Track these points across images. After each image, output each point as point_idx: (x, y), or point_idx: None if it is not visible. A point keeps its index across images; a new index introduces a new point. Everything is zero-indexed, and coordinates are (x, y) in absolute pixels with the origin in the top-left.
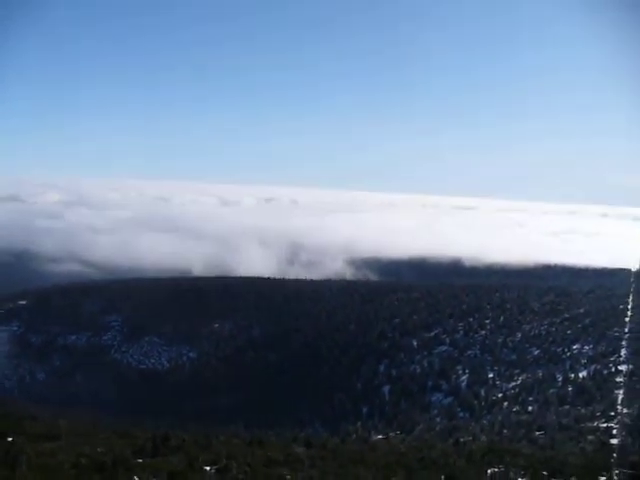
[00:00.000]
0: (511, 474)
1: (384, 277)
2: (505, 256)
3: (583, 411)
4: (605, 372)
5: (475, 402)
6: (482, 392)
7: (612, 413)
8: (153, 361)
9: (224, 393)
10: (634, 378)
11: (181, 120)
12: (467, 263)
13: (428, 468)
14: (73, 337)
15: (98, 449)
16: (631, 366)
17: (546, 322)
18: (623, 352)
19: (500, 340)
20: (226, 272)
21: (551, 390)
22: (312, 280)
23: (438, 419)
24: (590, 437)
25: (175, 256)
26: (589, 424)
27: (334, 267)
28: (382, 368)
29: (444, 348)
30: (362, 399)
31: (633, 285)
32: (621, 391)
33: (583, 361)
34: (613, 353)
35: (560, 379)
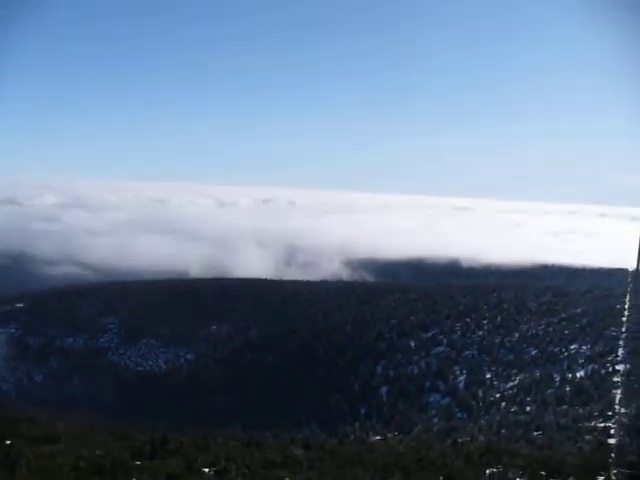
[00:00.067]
0: (509, 474)
1: (381, 278)
2: (503, 256)
3: (581, 411)
4: (603, 372)
5: (473, 402)
6: (480, 392)
7: (610, 413)
8: (150, 363)
9: (221, 395)
10: (631, 378)
11: (178, 121)
12: (464, 264)
13: (426, 469)
14: (70, 339)
15: (96, 452)
16: (628, 366)
17: (543, 322)
18: (620, 352)
19: (498, 340)
20: (223, 273)
21: (549, 390)
22: (309, 281)
23: (436, 420)
24: (588, 437)
25: (172, 258)
26: (587, 424)
27: (331, 268)
28: (379, 369)
29: (441, 349)
30: (359, 400)
31: (630, 285)
32: (619, 391)
33: (581, 361)
34: (610, 353)
35: (558, 379)
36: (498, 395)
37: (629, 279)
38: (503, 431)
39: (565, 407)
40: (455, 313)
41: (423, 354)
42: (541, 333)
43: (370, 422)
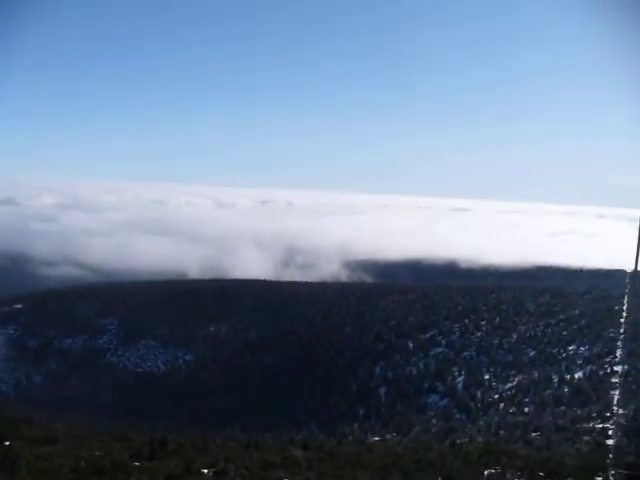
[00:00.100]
0: (508, 475)
1: (380, 279)
2: (501, 257)
3: (579, 412)
4: (601, 373)
5: (471, 403)
6: (478, 393)
7: (608, 414)
8: (149, 364)
9: (220, 396)
10: (629, 379)
11: (176, 122)
12: (463, 265)
13: (425, 470)
14: (69, 340)
15: (96, 452)
16: (627, 367)
17: (542, 323)
18: (619, 353)
19: (496, 341)
20: (222, 274)
21: (547, 391)
22: (308, 282)
23: (434, 421)
24: (586, 438)
25: (171, 259)
26: (585, 425)
27: (330, 269)
28: (378, 370)
29: (440, 350)
30: (358, 401)
31: (628, 286)
32: (617, 392)
33: (579, 362)
34: (609, 354)
35: (556, 380)
36: (496, 396)
37: (627, 280)
38: (502, 432)
39: (563, 408)
40: (454, 314)
41: (422, 355)
42: (539, 334)
43: (369, 423)
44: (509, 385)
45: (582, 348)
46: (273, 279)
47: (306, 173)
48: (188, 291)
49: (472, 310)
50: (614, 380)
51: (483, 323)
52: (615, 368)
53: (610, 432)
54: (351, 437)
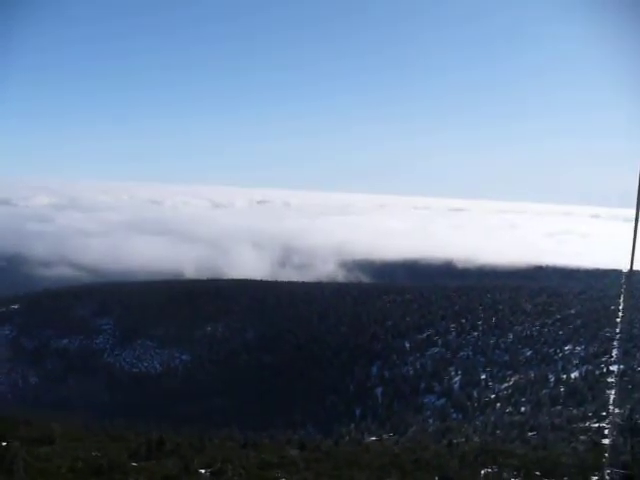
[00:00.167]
0: (504, 474)
1: (376, 279)
2: (498, 257)
3: (575, 411)
4: (597, 373)
5: (468, 403)
6: (475, 393)
7: (604, 413)
8: (146, 364)
9: (217, 396)
10: (625, 378)
11: (172, 122)
12: (459, 265)
13: (422, 469)
14: (65, 341)
15: (93, 453)
16: (622, 366)
17: (538, 323)
18: (614, 353)
19: (492, 341)
20: (218, 274)
21: (543, 391)
22: (304, 282)
23: (431, 420)
24: (582, 437)
25: (167, 259)
26: (581, 424)
27: (326, 269)
28: (375, 370)
29: (436, 350)
30: (355, 401)
31: (624, 286)
32: (613, 391)
33: (575, 362)
34: (605, 354)
35: (552, 380)
36: (493, 396)
37: (623, 280)
38: (498, 432)
39: (559, 408)
40: (450, 314)
41: (418, 355)
42: (536, 334)
43: (365, 423)
44: (505, 385)
45: (578, 348)
46: (270, 279)
47: (302, 173)
48: (184, 291)
49: (468, 310)
50: (610, 380)
51: (480, 323)
52: (611, 368)
53: (606, 431)
54: (348, 437)
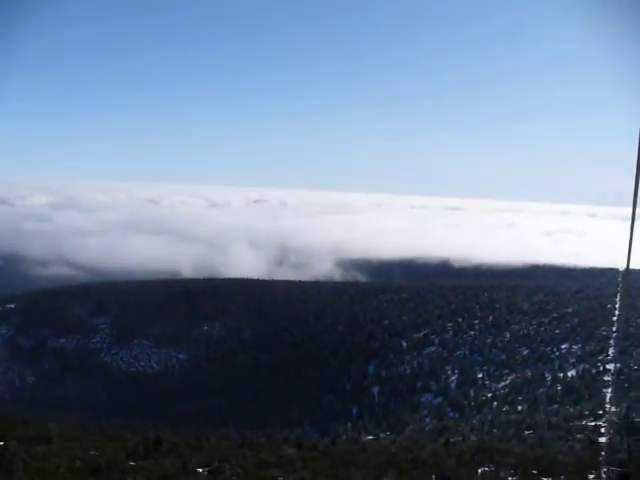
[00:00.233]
0: (501, 473)
1: (373, 278)
2: (494, 256)
3: (572, 410)
4: (593, 371)
5: (465, 402)
6: (472, 392)
7: (600, 412)
8: (143, 363)
9: (214, 395)
10: (622, 377)
11: (169, 122)
12: (456, 264)
13: (419, 468)
14: (62, 340)
15: (90, 452)
16: (619, 365)
17: (535, 322)
18: (611, 351)
19: (489, 340)
20: (215, 274)
21: (540, 389)
22: (301, 281)
23: (428, 419)
24: (579, 435)
25: (164, 258)
26: (578, 423)
27: (323, 268)
28: (371, 369)
29: (433, 348)
30: (352, 400)
31: (621, 285)
32: (609, 390)
33: (572, 360)
34: (601, 352)
35: (549, 378)
36: (490, 395)
37: (620, 279)
38: (495, 430)
39: (556, 406)
40: (447, 313)
41: (415, 354)
42: (532, 333)
43: (362, 422)
44: (502, 384)
45: (575, 346)
46: (266, 278)
47: (299, 172)
48: (181, 290)
49: (465, 309)
50: (606, 378)
51: (476, 322)
52: (607, 366)
53: (602, 430)
54: (345, 436)
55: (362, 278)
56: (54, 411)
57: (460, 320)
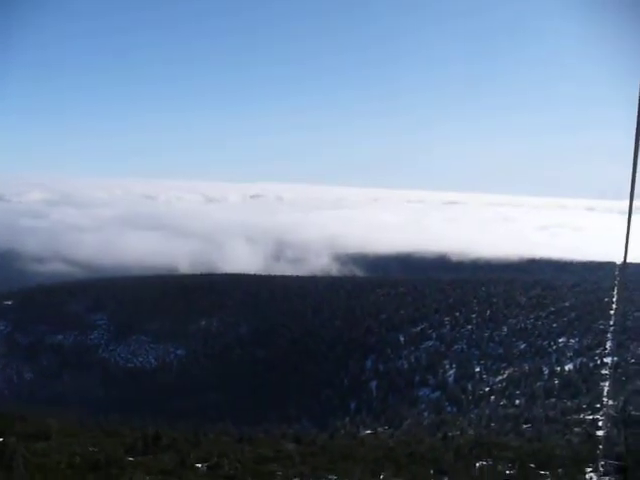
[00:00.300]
0: (499, 467)
1: (370, 273)
2: (491, 250)
3: (569, 404)
4: (591, 365)
5: (462, 396)
6: (469, 386)
7: (598, 405)
8: (140, 359)
9: (212, 390)
10: (619, 370)
11: (167, 117)
12: (453, 258)
13: (417, 462)
14: (60, 336)
15: (89, 448)
16: (616, 358)
17: (532, 316)
18: (608, 345)
19: (487, 334)
20: (212, 269)
21: (538, 383)
22: (298, 276)
23: (426, 414)
24: (576, 429)
25: (161, 254)
26: (575, 416)
27: (320, 263)
28: (369, 363)
29: (431, 343)
30: (349, 395)
31: (618, 278)
32: (606, 383)
33: (569, 354)
34: (598, 346)
35: (546, 372)
36: (487, 389)
37: (617, 273)
38: (493, 424)
39: (554, 400)
40: (444, 307)
41: (412, 348)
42: (530, 327)
43: (360, 416)
44: (500, 378)
45: (572, 340)
46: (263, 273)
47: (296, 167)
48: (178, 286)
49: (463, 303)
50: (604, 372)
51: (474, 316)
52: (605, 360)
53: (600, 423)
54: (343, 431)
55: (359, 273)
56: (52, 407)
57: (457, 314)
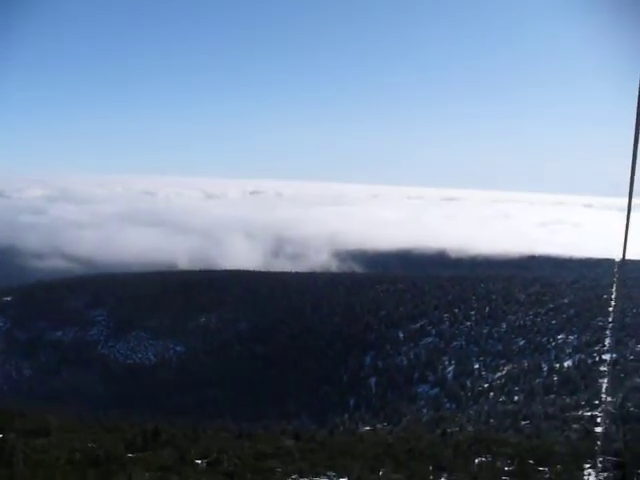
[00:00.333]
0: (498, 463)
1: (369, 269)
2: (490, 247)
3: (568, 400)
4: (589, 361)
5: (461, 393)
6: (468, 383)
7: (596, 402)
8: (140, 356)
9: (211, 387)
10: (618, 367)
11: (166, 114)
12: (452, 254)
13: (416, 459)
14: (59, 333)
15: (89, 444)
16: (615, 355)
17: (531, 312)
18: (607, 341)
19: (485, 331)
20: (212, 265)
21: (536, 380)
22: (298, 272)
23: (425, 410)
24: (575, 426)
25: (160, 250)
26: (574, 413)
27: (319, 259)
28: (368, 360)
29: (430, 339)
30: (349, 391)
31: (617, 275)
32: (605, 380)
33: (568, 351)
34: (597, 342)
35: (545, 369)
36: (486, 385)
37: (616, 269)
38: (492, 421)
39: (553, 396)
40: (443, 304)
41: (412, 345)
42: (529, 323)
43: (359, 413)
44: (499, 374)
45: (571, 337)
46: (263, 269)
47: (295, 163)
48: (178, 282)
49: (462, 300)
50: (603, 368)
51: (473, 313)
52: (604, 356)
53: (599, 420)
54: (342, 427)
55: (358, 269)
56: (51, 403)
57: (456, 311)
